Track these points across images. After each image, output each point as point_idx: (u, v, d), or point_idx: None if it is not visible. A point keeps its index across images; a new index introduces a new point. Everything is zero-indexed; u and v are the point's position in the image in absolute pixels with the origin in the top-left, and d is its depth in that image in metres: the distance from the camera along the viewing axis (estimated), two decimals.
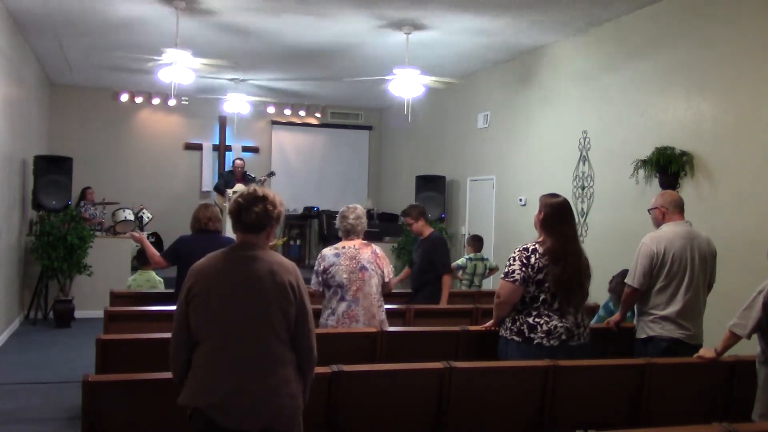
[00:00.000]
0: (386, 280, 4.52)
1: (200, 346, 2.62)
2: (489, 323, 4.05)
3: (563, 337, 3.69)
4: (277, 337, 2.58)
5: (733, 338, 3.51)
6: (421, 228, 6.22)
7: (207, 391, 2.55)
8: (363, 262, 4.41)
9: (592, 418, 3.41)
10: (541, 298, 3.73)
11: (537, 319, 3.71)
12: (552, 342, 3.67)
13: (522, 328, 3.74)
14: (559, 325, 3.70)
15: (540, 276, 3.71)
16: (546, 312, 3.72)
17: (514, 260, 3.77)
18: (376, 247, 4.58)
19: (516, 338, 3.74)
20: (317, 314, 4.49)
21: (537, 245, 3.79)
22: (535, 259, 3.73)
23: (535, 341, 3.68)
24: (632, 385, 3.57)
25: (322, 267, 4.41)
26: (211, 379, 2.56)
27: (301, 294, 2.64)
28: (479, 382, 3.40)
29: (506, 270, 3.80)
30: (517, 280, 3.73)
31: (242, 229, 2.67)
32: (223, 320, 2.58)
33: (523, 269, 3.72)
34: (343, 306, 4.35)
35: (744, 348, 3.76)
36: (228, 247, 2.73)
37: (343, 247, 4.46)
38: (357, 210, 4.62)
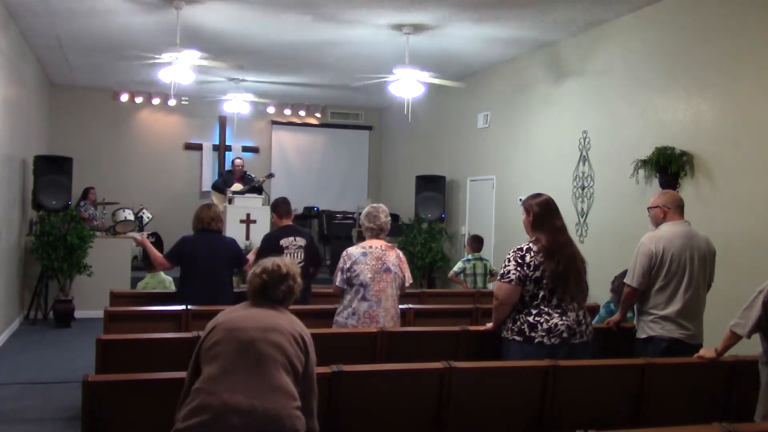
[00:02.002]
0: (406, 284, 4.59)
1: (202, 374, 2.68)
2: (488, 326, 4.05)
3: (564, 335, 3.69)
4: (285, 372, 2.67)
5: (734, 338, 3.51)
6: (276, 222, 6.00)
7: (200, 409, 2.57)
8: (388, 264, 4.45)
9: (592, 418, 3.41)
10: (540, 296, 3.74)
11: (537, 318, 3.72)
12: (553, 340, 3.68)
13: (522, 327, 3.74)
14: (560, 323, 3.70)
15: (537, 273, 3.73)
16: (546, 310, 3.73)
17: (509, 261, 3.80)
18: (399, 252, 4.64)
19: (517, 338, 3.75)
20: (331, 313, 4.53)
21: (531, 244, 3.83)
22: (530, 257, 3.76)
23: (536, 340, 3.69)
24: (632, 385, 3.57)
25: (348, 265, 4.43)
26: (206, 399, 2.59)
27: (310, 346, 2.81)
28: (479, 382, 3.40)
29: (502, 271, 3.83)
30: (512, 280, 3.75)
31: (267, 304, 2.81)
32: (233, 355, 2.65)
33: (519, 269, 3.75)
34: (364, 306, 4.37)
35: (744, 348, 3.76)
36: (247, 303, 2.87)
37: (370, 247, 4.49)
38: (386, 209, 4.68)
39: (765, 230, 5.25)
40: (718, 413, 3.56)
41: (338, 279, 4.48)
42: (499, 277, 3.87)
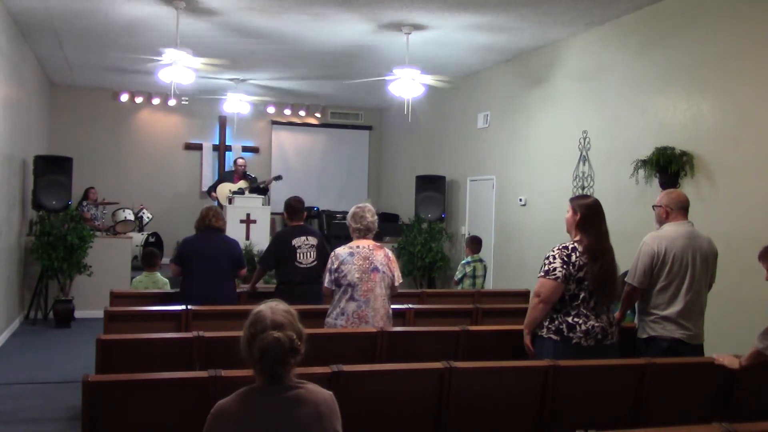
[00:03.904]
0: (396, 284, 4.55)
1: None
2: (527, 339, 3.89)
3: (599, 336, 3.73)
4: None
5: (762, 357, 3.47)
6: (287, 221, 5.95)
7: None
8: (376, 263, 4.41)
9: (592, 418, 3.41)
10: (581, 297, 3.74)
11: (576, 319, 3.73)
12: (589, 342, 3.71)
13: (561, 327, 3.74)
14: (596, 324, 3.73)
15: (581, 274, 3.73)
16: (584, 312, 3.74)
17: (554, 258, 3.77)
18: (388, 251, 4.60)
19: (554, 336, 3.75)
20: (323, 313, 4.52)
21: (575, 244, 3.81)
22: (576, 256, 3.75)
23: (574, 341, 3.71)
24: (632, 385, 3.56)
25: (335, 265, 4.40)
26: None
27: (338, 417, 2.36)
28: (479, 382, 3.39)
29: (546, 268, 3.77)
30: (558, 277, 3.72)
31: (283, 387, 2.28)
32: None
33: (564, 267, 3.73)
34: (353, 306, 4.34)
35: (744, 348, 3.76)
36: (259, 388, 2.27)
37: (357, 247, 4.46)
38: (372, 209, 4.64)
39: (765, 230, 5.25)
40: (718, 413, 3.55)
41: (326, 280, 4.45)
42: (542, 274, 3.79)
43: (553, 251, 3.81)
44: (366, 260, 4.39)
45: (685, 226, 4.16)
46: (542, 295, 3.78)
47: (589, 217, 3.85)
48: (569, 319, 3.74)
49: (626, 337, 4.28)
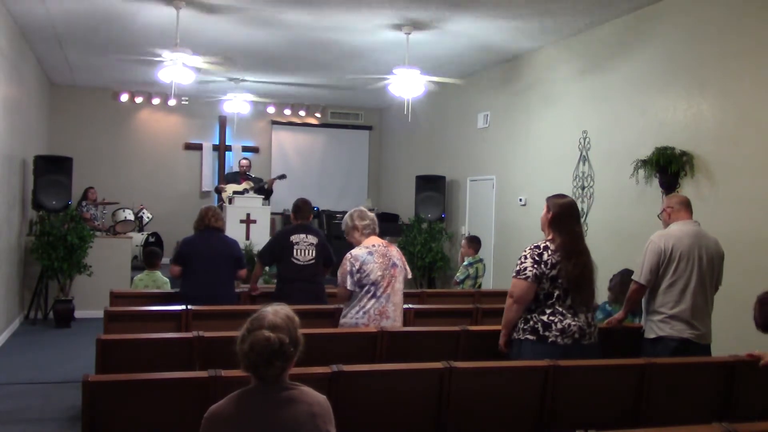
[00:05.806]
0: (408, 277, 4.65)
1: None
2: (502, 340, 3.92)
3: (576, 335, 3.70)
4: None
5: None
6: (292, 220, 6.07)
7: None
8: (394, 259, 4.50)
9: (592, 418, 3.40)
10: (555, 295, 3.73)
11: (551, 318, 3.71)
12: (566, 341, 3.68)
13: (536, 326, 3.72)
14: (572, 323, 3.71)
15: (554, 272, 3.72)
16: (560, 310, 3.72)
17: (526, 258, 3.76)
18: (396, 246, 4.71)
19: (530, 337, 3.73)
20: (330, 313, 4.52)
21: (548, 242, 3.80)
22: (548, 255, 3.73)
23: (550, 339, 3.68)
24: (632, 385, 3.56)
25: (356, 267, 4.38)
26: None
27: (330, 420, 2.36)
28: (479, 382, 3.39)
29: (518, 268, 3.77)
30: (529, 277, 3.71)
31: (273, 386, 2.29)
32: None
33: (536, 266, 3.72)
34: (374, 303, 4.37)
35: (745, 348, 3.76)
36: (253, 389, 2.30)
37: (373, 245, 4.50)
38: (366, 209, 4.72)
39: (765, 230, 5.25)
40: (718, 413, 3.55)
41: (348, 282, 4.40)
42: (514, 274, 3.80)
43: (525, 251, 3.81)
44: (385, 257, 4.46)
45: (692, 225, 4.17)
46: (515, 295, 3.78)
47: (561, 216, 3.83)
48: (544, 318, 3.72)
49: (631, 338, 4.29)
